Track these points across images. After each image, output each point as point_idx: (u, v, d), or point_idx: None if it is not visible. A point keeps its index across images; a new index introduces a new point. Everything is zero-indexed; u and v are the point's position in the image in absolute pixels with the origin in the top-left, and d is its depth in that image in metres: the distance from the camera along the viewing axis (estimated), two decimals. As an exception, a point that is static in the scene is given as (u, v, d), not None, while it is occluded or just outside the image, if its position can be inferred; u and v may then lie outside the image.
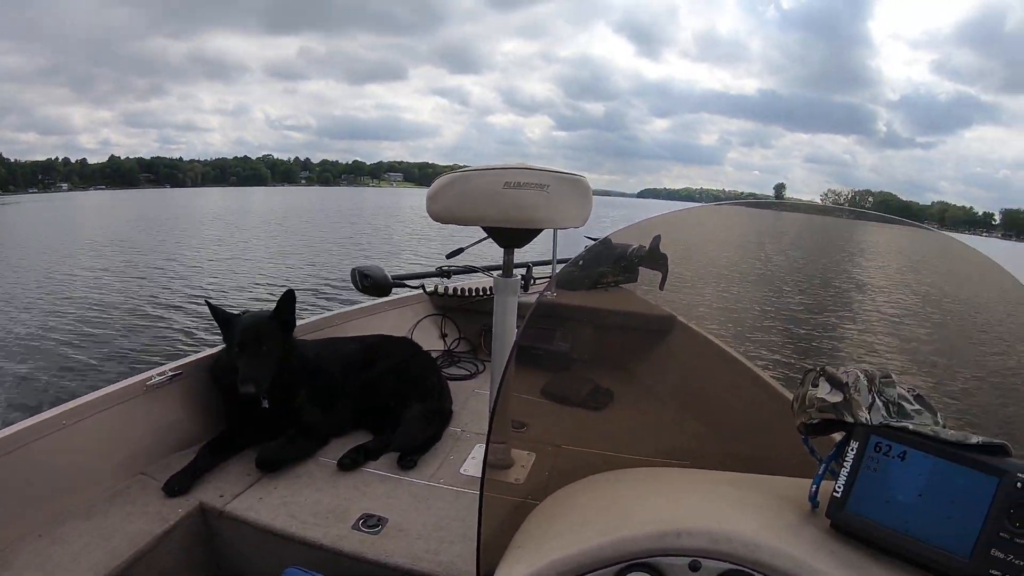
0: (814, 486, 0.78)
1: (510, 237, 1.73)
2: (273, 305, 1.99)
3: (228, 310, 2.01)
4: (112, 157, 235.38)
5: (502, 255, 1.82)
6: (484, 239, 1.77)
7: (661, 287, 1.51)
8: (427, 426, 2.15)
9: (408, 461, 1.96)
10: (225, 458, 1.91)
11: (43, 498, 1.63)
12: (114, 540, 1.56)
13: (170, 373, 2.02)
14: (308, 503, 1.74)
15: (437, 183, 1.63)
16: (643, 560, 0.73)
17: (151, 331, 9.26)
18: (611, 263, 1.54)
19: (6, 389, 6.94)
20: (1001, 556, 0.64)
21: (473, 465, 1.98)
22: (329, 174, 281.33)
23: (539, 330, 2.70)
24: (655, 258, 1.42)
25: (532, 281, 3.03)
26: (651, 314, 1.59)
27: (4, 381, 7.20)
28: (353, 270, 2.51)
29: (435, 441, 2.13)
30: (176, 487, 1.75)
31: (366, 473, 1.92)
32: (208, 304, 2.02)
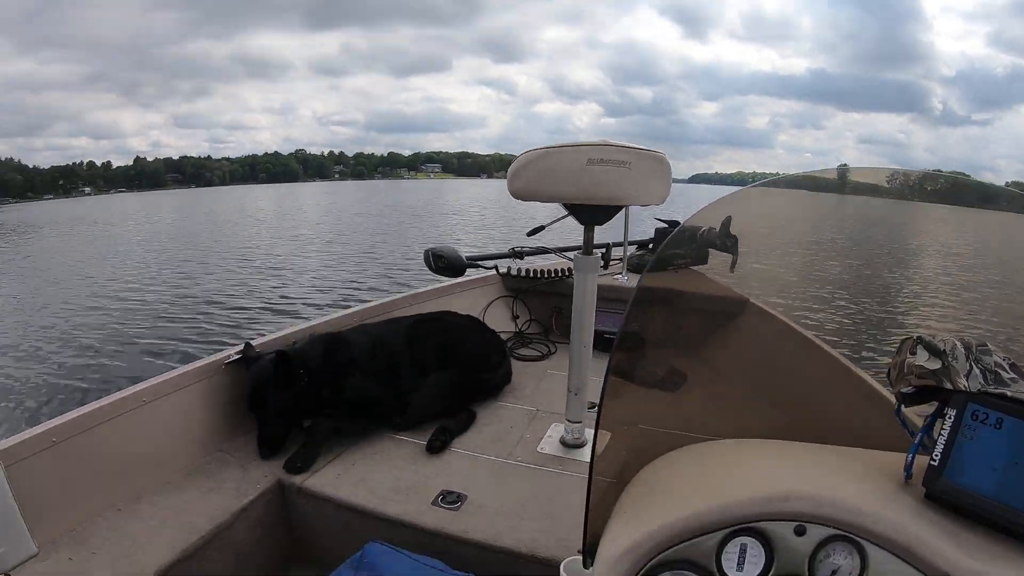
0: (910, 455, 0.80)
1: (591, 214, 1.79)
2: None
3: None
4: (137, 159, 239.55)
5: (578, 235, 1.87)
6: (565, 216, 1.82)
7: (732, 269, 1.55)
8: (442, 400, 2.23)
9: (434, 443, 2.02)
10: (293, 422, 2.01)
11: (122, 474, 1.75)
12: (192, 516, 1.67)
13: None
14: (386, 480, 1.83)
15: (518, 161, 1.67)
16: (749, 524, 0.77)
17: (224, 316, 10.11)
18: (682, 245, 1.58)
19: (90, 369, 7.64)
20: None
21: (550, 444, 2.05)
22: (363, 168, 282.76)
23: (610, 313, 2.76)
24: (725, 240, 1.45)
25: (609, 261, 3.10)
26: (723, 296, 1.61)
27: (89, 361, 7.95)
28: (426, 251, 2.58)
29: (466, 419, 2.20)
30: (268, 449, 1.92)
31: (444, 450, 2.01)
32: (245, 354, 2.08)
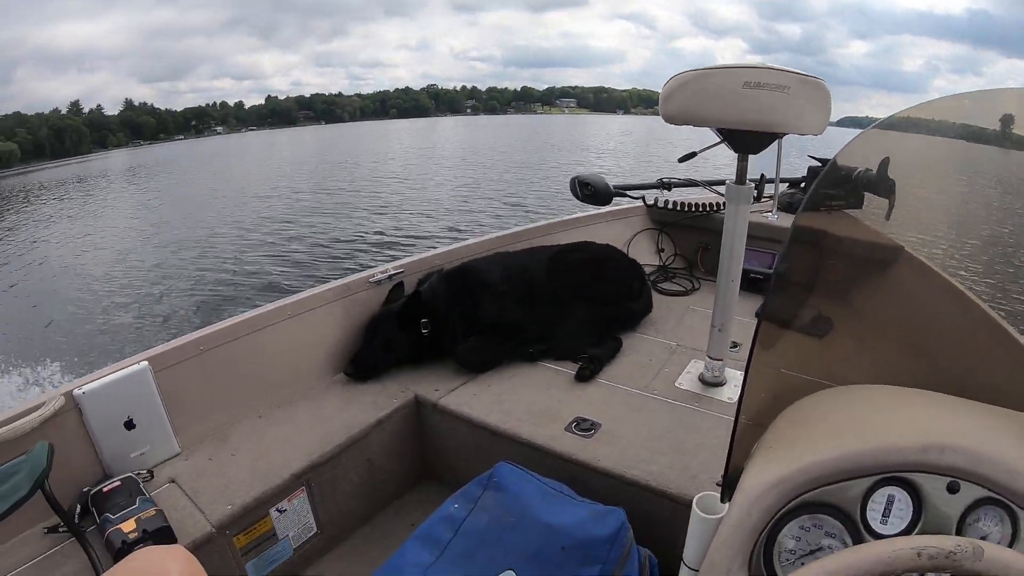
0: None
1: (746, 141, 1.74)
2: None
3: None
4: (269, 97, 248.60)
5: (727, 171, 1.83)
6: (719, 143, 1.78)
7: (887, 217, 1.47)
8: (587, 330, 2.27)
9: (584, 372, 2.07)
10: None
11: (265, 382, 1.93)
12: (329, 425, 1.82)
13: (392, 271, 2.28)
14: (522, 403, 1.91)
15: (672, 82, 1.64)
16: (901, 474, 0.74)
17: (369, 240, 11.43)
18: (835, 184, 1.51)
19: (245, 280, 9.06)
20: None
21: (688, 380, 2.06)
22: (495, 102, 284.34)
23: (758, 251, 2.71)
24: (882, 183, 1.38)
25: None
26: (877, 242, 1.55)
27: (243, 277, 9.39)
28: (573, 179, 2.61)
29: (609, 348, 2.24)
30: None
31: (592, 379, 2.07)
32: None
